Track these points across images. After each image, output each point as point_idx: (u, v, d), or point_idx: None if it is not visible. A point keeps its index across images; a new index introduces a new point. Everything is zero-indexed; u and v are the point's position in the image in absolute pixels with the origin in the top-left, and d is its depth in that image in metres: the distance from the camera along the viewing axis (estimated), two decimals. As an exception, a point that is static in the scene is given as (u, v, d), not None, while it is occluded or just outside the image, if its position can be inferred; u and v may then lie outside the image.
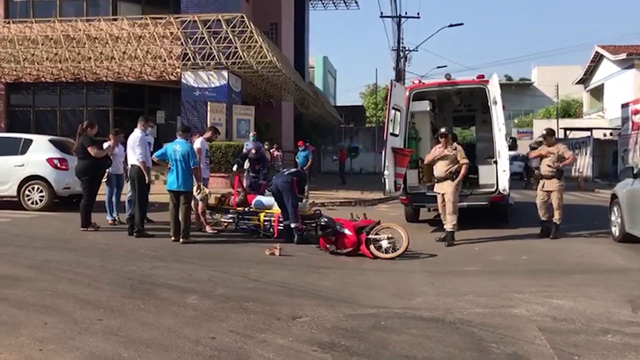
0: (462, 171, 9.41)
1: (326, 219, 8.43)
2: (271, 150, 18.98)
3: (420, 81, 11.64)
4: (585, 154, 31.12)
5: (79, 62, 20.61)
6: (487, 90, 11.07)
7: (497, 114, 10.52)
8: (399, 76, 32.05)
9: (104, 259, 7.58)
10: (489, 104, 11.02)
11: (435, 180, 9.74)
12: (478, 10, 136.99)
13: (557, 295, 5.97)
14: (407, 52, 31.70)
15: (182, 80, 20.33)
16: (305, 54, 36.50)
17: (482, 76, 11.41)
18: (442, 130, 9.84)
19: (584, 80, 46.70)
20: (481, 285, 6.53)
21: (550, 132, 10.45)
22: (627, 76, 37.33)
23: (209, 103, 19.61)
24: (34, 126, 22.40)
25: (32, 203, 12.58)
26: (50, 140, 13.19)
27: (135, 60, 20.30)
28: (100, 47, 20.45)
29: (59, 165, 12.59)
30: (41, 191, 12.57)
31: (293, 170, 9.68)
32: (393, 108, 10.90)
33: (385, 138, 10.86)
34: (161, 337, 4.58)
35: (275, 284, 6.50)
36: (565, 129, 38.14)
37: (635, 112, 23.73)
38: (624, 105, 25.58)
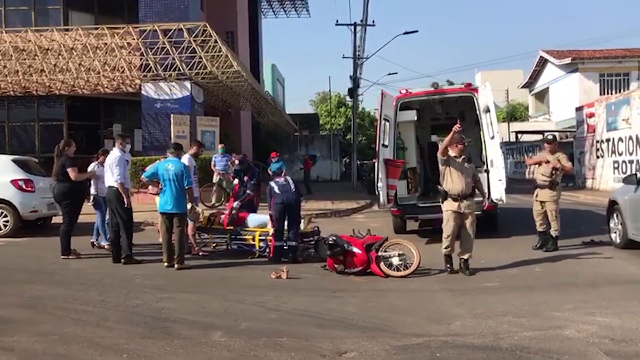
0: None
1: (334, 237, 7.98)
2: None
3: (407, 90, 11.40)
4: (540, 156, 31.80)
5: (31, 75, 19.45)
6: (475, 98, 10.97)
7: (490, 121, 10.32)
8: (356, 84, 31.94)
9: (101, 292, 6.92)
10: (478, 112, 10.89)
11: (455, 196, 7.85)
12: (430, 20, 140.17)
13: (598, 312, 5.78)
14: (363, 60, 31.51)
15: (143, 92, 19.45)
16: (260, 62, 36.13)
17: (470, 84, 11.32)
18: (464, 138, 8.07)
19: (529, 84, 48.07)
20: (513, 303, 6.27)
21: (553, 139, 10.18)
22: (572, 80, 38.65)
23: (172, 115, 18.81)
24: (-19, 143, 21.04)
25: (-4, 229, 11.64)
26: (13, 160, 12.23)
27: (92, 72, 19.31)
28: (53, 58, 19.37)
29: (24, 187, 11.69)
30: (5, 216, 11.64)
31: (290, 180, 9.08)
32: (383, 119, 10.65)
33: (377, 149, 10.59)
34: (207, 387, 4.10)
35: (298, 313, 6.07)
36: (517, 133, 39.04)
37: (590, 116, 24.38)
38: (579, 109, 26.27)
